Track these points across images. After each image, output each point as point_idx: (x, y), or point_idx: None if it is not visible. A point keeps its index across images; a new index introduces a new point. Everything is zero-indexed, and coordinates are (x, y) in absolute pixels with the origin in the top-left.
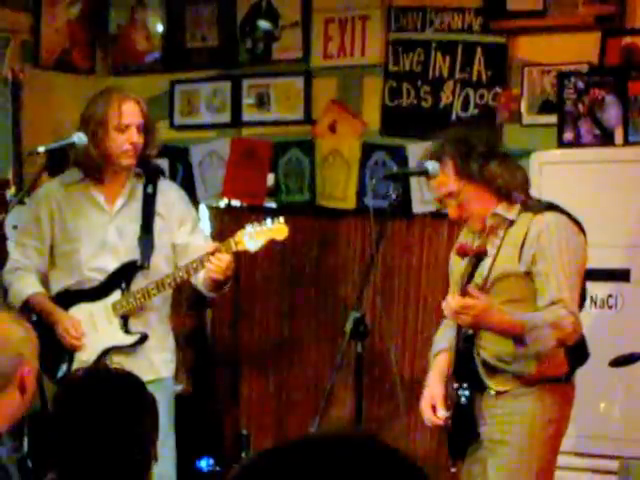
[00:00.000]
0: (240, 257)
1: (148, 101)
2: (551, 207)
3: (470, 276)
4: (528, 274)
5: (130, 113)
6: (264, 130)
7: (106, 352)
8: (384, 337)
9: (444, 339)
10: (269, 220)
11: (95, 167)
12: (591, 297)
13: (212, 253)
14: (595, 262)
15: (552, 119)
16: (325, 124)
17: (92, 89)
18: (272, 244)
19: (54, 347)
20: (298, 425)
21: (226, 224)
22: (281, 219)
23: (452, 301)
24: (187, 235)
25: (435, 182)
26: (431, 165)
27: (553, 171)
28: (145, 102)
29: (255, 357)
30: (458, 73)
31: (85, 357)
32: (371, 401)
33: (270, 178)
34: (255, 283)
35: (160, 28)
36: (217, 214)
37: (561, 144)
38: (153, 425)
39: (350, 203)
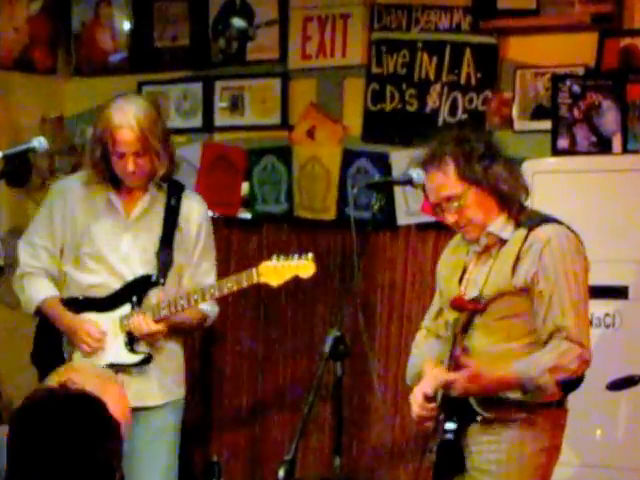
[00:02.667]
0: None
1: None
2: (547, 219)
3: (464, 330)
4: (523, 290)
5: (124, 142)
6: (238, 135)
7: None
8: (366, 357)
9: (429, 352)
10: (296, 255)
11: (105, 177)
12: None
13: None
14: (591, 279)
15: (546, 125)
16: (303, 129)
17: (53, 90)
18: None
19: (55, 357)
20: (274, 451)
21: None
22: (310, 255)
23: (435, 382)
24: (201, 276)
25: (433, 184)
26: (416, 173)
27: (546, 180)
28: (149, 120)
29: (227, 378)
30: (445, 75)
31: None
32: (352, 426)
33: (244, 187)
34: (226, 300)
35: (127, 26)
36: None
37: (555, 152)
38: (115, 451)
39: (330, 214)
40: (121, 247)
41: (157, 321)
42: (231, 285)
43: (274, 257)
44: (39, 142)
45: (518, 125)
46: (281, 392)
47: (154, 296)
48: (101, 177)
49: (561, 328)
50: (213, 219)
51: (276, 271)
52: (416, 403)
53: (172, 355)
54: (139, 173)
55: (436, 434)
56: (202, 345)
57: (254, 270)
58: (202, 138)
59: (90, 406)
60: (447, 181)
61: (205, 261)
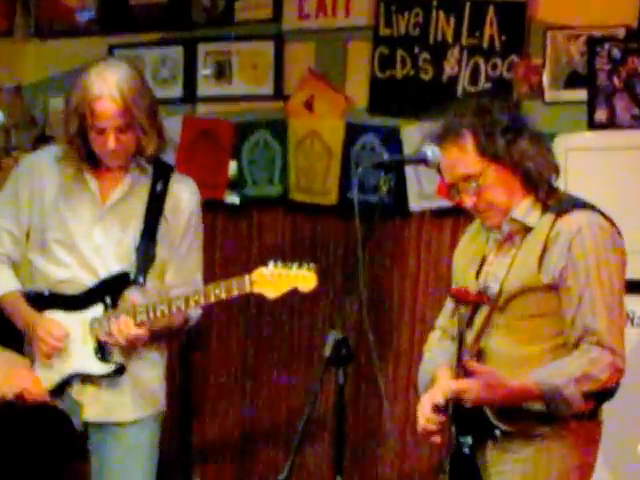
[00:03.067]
0: None
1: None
2: (579, 204)
3: (468, 324)
4: (551, 287)
5: (105, 116)
6: (224, 107)
7: (72, 377)
8: (372, 363)
9: (443, 356)
10: (295, 264)
11: (82, 155)
12: (626, 314)
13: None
14: (632, 271)
15: (581, 95)
16: (300, 100)
17: (10, 54)
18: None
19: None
20: (265, 472)
21: None
22: (312, 266)
23: (443, 391)
24: (188, 274)
25: (449, 161)
26: (431, 150)
27: (581, 158)
28: (134, 90)
29: (211, 389)
30: (465, 38)
31: (46, 380)
32: (356, 442)
33: (232, 166)
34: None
35: None
36: None
37: (592, 125)
38: (80, 474)
39: (331, 198)
40: (94, 237)
41: (137, 325)
42: (219, 292)
43: (271, 263)
44: None
45: (549, 95)
46: (274, 404)
47: (131, 298)
48: (76, 154)
49: (591, 332)
50: None
51: (272, 281)
52: (423, 414)
53: (148, 364)
54: (121, 151)
55: (449, 451)
56: (182, 350)
57: (247, 278)
58: (183, 110)
59: (54, 424)
60: (464, 157)
61: (192, 257)
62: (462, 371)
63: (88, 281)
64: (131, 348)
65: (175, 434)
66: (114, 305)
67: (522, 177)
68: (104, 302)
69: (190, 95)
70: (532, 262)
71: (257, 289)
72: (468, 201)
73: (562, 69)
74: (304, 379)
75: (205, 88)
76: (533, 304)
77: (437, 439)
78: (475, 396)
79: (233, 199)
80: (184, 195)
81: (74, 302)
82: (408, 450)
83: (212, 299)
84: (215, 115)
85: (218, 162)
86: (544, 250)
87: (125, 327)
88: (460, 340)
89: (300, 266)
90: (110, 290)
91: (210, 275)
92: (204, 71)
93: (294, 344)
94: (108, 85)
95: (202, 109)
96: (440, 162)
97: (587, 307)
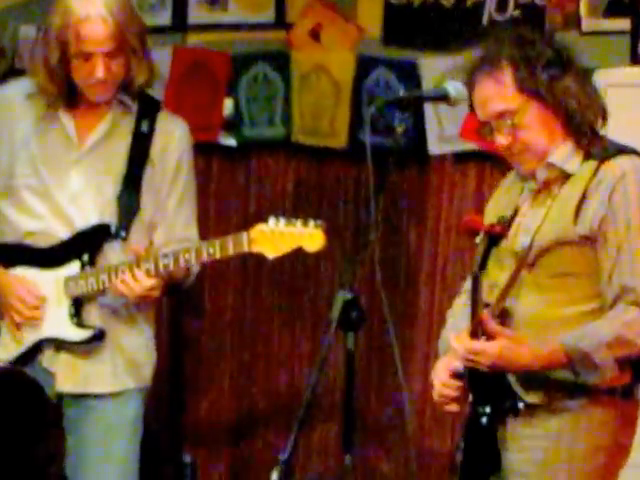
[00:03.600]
0: None
1: None
2: (623, 150)
3: (481, 266)
4: (588, 240)
5: (93, 39)
6: (219, 36)
7: (44, 342)
8: (386, 328)
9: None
10: (299, 222)
11: (55, 100)
12: None
13: (134, 265)
14: None
15: (623, 24)
16: (305, 29)
17: None
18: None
19: None
20: (265, 449)
21: None
22: (318, 223)
23: (457, 344)
24: (181, 228)
25: (483, 95)
26: (453, 86)
27: (624, 95)
28: (124, 10)
29: (205, 356)
30: None
31: (14, 344)
32: (366, 416)
33: (228, 104)
34: None
35: None
36: None
37: (635, 59)
38: (55, 444)
39: (340, 140)
40: (70, 183)
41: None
42: (213, 251)
43: (272, 220)
44: None
45: (587, 24)
46: (274, 374)
47: (112, 254)
48: (55, 89)
49: (629, 290)
50: None
51: (273, 239)
52: (438, 380)
53: (132, 330)
54: (110, 81)
55: (465, 425)
56: (171, 314)
57: (245, 235)
58: (173, 40)
59: (27, 393)
60: (501, 91)
61: (185, 208)
62: (478, 327)
63: (63, 233)
64: (142, 302)
65: (164, 410)
66: (92, 262)
67: (564, 118)
68: (80, 259)
69: (180, 23)
70: (568, 212)
71: (256, 248)
72: (502, 141)
73: None
74: (309, 344)
75: (197, 15)
76: (566, 260)
77: (454, 407)
78: (491, 360)
79: (229, 141)
80: (173, 136)
81: (47, 257)
82: (427, 427)
83: (205, 257)
84: (209, 46)
85: (212, 99)
86: (583, 198)
87: (135, 281)
88: (474, 286)
89: (305, 223)
90: (88, 245)
91: (203, 228)
92: None
93: (297, 306)
94: (95, 5)
95: (194, 39)
96: (473, 96)
97: (626, 262)
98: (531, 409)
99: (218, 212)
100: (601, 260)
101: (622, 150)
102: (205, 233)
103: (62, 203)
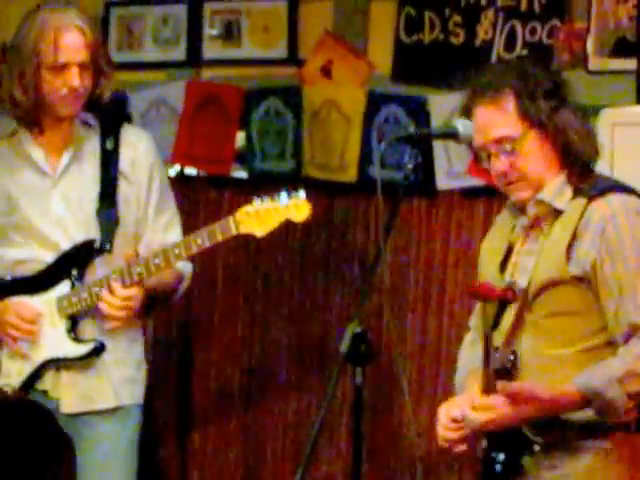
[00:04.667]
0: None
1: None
2: (614, 187)
3: (495, 325)
4: (582, 280)
5: (70, 48)
6: (232, 71)
7: (44, 365)
8: (395, 361)
9: (474, 362)
10: (284, 195)
11: (27, 114)
12: None
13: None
14: None
15: (629, 64)
16: (317, 65)
17: None
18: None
19: None
20: None
21: (177, 201)
22: (301, 193)
23: (463, 404)
24: (161, 232)
25: (484, 120)
26: (462, 124)
27: (630, 134)
28: (95, 30)
29: (212, 389)
30: None
31: (15, 371)
32: (375, 449)
33: (240, 138)
34: (215, 280)
35: None
36: None
37: None
38: (67, 474)
39: (350, 175)
40: (52, 209)
41: (127, 286)
42: (201, 241)
43: (255, 199)
44: None
45: (594, 64)
46: (282, 408)
47: (100, 267)
48: (29, 105)
49: (638, 327)
50: (198, 179)
51: (259, 217)
52: (441, 423)
53: (127, 344)
54: (82, 93)
55: (479, 468)
56: (182, 346)
57: (230, 219)
58: (186, 75)
59: (37, 420)
60: (503, 117)
61: (164, 212)
62: (490, 380)
63: (50, 258)
64: (123, 317)
65: (170, 440)
66: (81, 278)
67: (562, 150)
68: (70, 277)
69: (195, 58)
70: (560, 252)
71: (244, 229)
72: (499, 166)
73: (609, 35)
74: (318, 378)
75: (211, 51)
76: (562, 300)
77: (462, 447)
78: (502, 423)
79: (241, 174)
80: (138, 150)
81: (36, 283)
82: (434, 461)
83: (194, 249)
84: (222, 80)
85: (224, 132)
86: (573, 238)
87: (111, 295)
88: (486, 345)
89: (289, 195)
90: (75, 262)
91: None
92: (210, 32)
93: (305, 338)
94: (70, 16)
95: (207, 73)
96: (473, 122)
97: (629, 301)
98: (545, 451)
99: (227, 242)
100: (603, 299)
101: (611, 187)
102: (214, 263)
103: (46, 231)
